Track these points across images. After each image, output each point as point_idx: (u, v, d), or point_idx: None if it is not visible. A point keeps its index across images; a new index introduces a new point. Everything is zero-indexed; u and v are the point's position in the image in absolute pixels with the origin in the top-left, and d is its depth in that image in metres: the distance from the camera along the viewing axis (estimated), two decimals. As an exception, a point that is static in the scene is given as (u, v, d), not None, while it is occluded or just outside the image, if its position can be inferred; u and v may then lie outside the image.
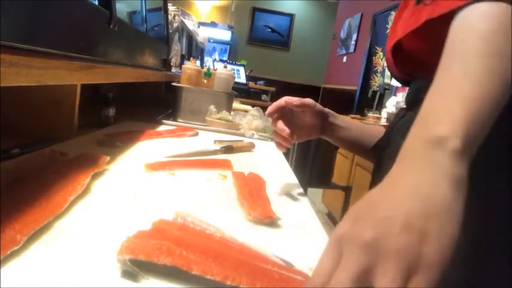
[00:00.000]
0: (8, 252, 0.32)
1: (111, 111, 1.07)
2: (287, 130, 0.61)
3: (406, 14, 0.47)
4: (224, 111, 1.29)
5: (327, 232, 0.51)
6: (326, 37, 5.87)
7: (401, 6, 0.63)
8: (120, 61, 0.87)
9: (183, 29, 2.22)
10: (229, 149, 0.93)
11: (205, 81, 1.37)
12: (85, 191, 0.50)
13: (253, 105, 1.89)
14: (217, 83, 1.35)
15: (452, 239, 0.27)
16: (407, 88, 0.64)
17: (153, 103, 1.64)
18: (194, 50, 3.05)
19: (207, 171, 0.72)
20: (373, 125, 0.74)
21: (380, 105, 3.49)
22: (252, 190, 0.60)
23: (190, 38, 2.72)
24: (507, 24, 0.34)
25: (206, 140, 1.05)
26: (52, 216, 0.40)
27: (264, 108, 1.63)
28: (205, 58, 3.71)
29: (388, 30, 3.54)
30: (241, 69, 4.07)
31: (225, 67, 1.40)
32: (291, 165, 0.96)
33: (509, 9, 0.34)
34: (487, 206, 0.47)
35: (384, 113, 2.96)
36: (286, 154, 1.24)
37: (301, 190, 0.70)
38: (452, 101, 0.33)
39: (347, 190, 2.36)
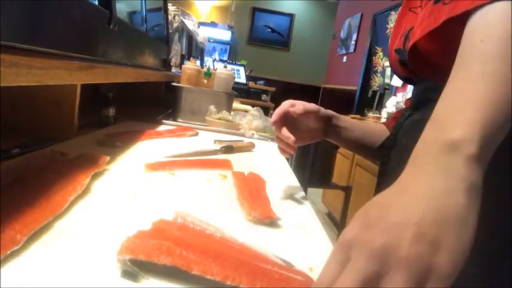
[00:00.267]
0: (8, 252, 0.32)
1: (111, 111, 1.07)
2: (292, 138, 0.60)
3: (424, 13, 0.45)
4: (224, 111, 1.29)
5: (327, 232, 0.51)
6: (326, 37, 5.87)
7: (404, 4, 0.63)
8: (120, 61, 0.87)
9: (183, 29, 2.22)
10: (229, 149, 0.93)
11: (205, 81, 1.37)
12: (85, 191, 0.50)
13: (253, 105, 1.89)
14: (217, 83, 1.35)
15: (465, 250, 0.27)
16: (412, 88, 0.64)
17: (153, 103, 1.64)
18: (194, 50, 3.05)
19: (207, 171, 0.72)
20: (375, 122, 0.74)
21: (380, 105, 3.49)
22: (252, 190, 0.60)
23: (190, 38, 2.72)
24: None
25: (206, 140, 1.05)
26: (52, 216, 0.40)
27: (264, 108, 1.63)
28: (205, 58, 3.71)
29: (389, 30, 3.55)
30: (241, 69, 4.07)
31: (225, 67, 1.40)
32: (291, 165, 0.96)
33: None
34: (501, 205, 0.46)
35: (384, 113, 2.96)
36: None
37: (302, 193, 0.70)
38: (468, 103, 0.31)
39: (347, 190, 2.36)
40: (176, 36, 1.87)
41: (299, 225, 0.52)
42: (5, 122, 0.76)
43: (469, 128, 0.30)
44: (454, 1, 0.38)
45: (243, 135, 1.22)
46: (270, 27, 6.11)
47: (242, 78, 3.98)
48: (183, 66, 1.39)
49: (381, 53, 3.74)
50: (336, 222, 2.70)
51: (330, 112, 0.71)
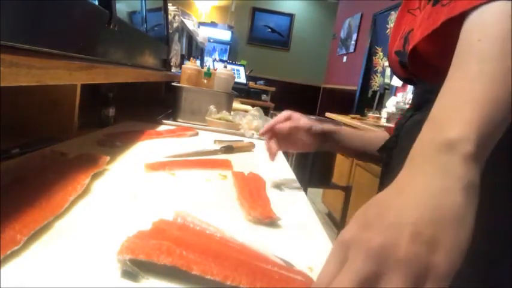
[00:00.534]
0: (8, 252, 0.32)
1: (111, 111, 1.07)
2: (273, 151, 0.70)
3: (423, 15, 0.46)
4: (224, 111, 1.29)
5: (327, 232, 0.51)
6: (326, 37, 5.87)
7: (402, 5, 0.63)
8: (120, 61, 0.87)
9: (183, 29, 2.22)
10: (229, 149, 0.93)
11: (205, 81, 1.37)
12: (85, 191, 0.50)
13: (253, 105, 1.89)
14: (217, 83, 1.35)
15: (462, 250, 0.27)
16: (413, 88, 0.64)
17: (153, 103, 1.64)
18: (194, 50, 3.05)
19: (207, 171, 0.72)
20: (376, 129, 0.75)
21: (380, 105, 3.49)
22: (252, 190, 0.60)
23: (190, 38, 2.72)
24: None
25: (206, 140, 1.05)
26: (52, 216, 0.40)
27: (264, 108, 1.63)
28: (205, 58, 3.71)
29: (388, 30, 3.55)
30: (241, 69, 4.07)
31: (225, 67, 1.40)
32: (291, 165, 0.96)
33: None
34: (500, 204, 0.46)
35: (384, 113, 2.95)
36: (287, 154, 1.24)
37: (302, 193, 0.70)
38: (464, 103, 0.31)
39: (347, 190, 2.36)
40: (176, 36, 1.87)
41: (299, 225, 0.52)
42: (5, 122, 0.76)
43: (466, 127, 0.30)
44: (452, 2, 0.39)
45: (243, 135, 1.22)
46: (270, 27, 6.11)
47: (242, 78, 3.98)
48: (183, 66, 1.39)
49: (381, 53, 3.74)
50: (336, 222, 2.70)
51: (327, 128, 0.73)
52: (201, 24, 4.20)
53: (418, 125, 0.34)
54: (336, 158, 2.36)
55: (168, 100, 1.54)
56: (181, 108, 1.31)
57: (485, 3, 0.34)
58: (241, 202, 0.56)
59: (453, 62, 0.35)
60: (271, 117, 1.76)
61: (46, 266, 0.32)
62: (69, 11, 0.58)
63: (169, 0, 1.68)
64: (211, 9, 5.91)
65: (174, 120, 1.30)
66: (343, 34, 4.99)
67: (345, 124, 2.65)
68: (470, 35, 0.34)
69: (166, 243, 0.34)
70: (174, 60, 1.82)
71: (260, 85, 4.76)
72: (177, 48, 1.90)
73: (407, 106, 2.49)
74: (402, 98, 2.81)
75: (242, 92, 3.62)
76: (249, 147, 0.99)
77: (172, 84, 1.33)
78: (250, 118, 1.28)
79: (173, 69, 1.72)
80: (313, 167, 1.97)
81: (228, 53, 5.70)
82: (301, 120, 0.71)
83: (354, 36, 4.51)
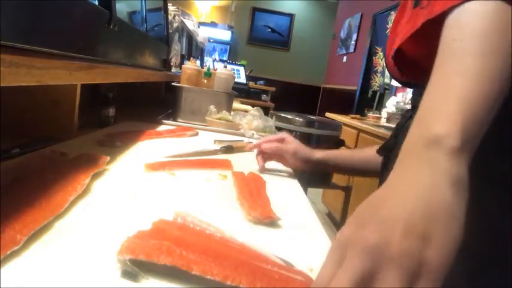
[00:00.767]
0: (8, 252, 0.32)
1: (111, 111, 1.07)
2: (260, 164, 0.77)
3: (405, 18, 0.47)
4: (224, 111, 1.29)
5: (327, 232, 0.51)
6: (326, 37, 5.87)
7: (400, 7, 0.63)
8: (120, 61, 0.87)
9: (183, 29, 2.22)
10: (229, 149, 0.93)
11: (205, 81, 1.37)
12: (85, 191, 0.50)
13: (253, 105, 1.89)
14: (217, 83, 1.35)
15: (455, 242, 0.27)
16: (410, 89, 0.65)
17: (153, 103, 1.64)
18: (194, 50, 3.05)
19: (207, 171, 0.72)
20: (370, 148, 0.79)
21: (380, 105, 3.49)
22: (252, 190, 0.60)
23: (190, 38, 2.72)
24: (500, 22, 0.33)
25: (206, 140, 1.05)
26: (52, 216, 0.40)
27: (264, 108, 1.63)
28: (205, 58, 3.71)
29: (388, 30, 3.55)
30: (241, 69, 4.07)
31: (225, 67, 1.40)
32: (291, 165, 0.96)
33: (503, 7, 0.34)
34: (492, 206, 0.47)
35: (384, 113, 2.96)
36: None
37: (302, 193, 0.70)
38: (447, 99, 0.32)
39: (347, 190, 2.36)
40: (176, 36, 1.87)
41: (299, 225, 0.52)
42: (5, 122, 0.76)
43: (449, 122, 0.31)
44: (430, 5, 0.40)
45: (243, 135, 1.22)
46: (270, 27, 6.11)
47: (242, 78, 3.98)
48: (183, 66, 1.39)
49: (381, 53, 3.74)
50: (336, 222, 2.70)
51: (311, 156, 0.76)
52: (201, 24, 4.20)
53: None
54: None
55: (168, 100, 1.54)
56: (181, 108, 1.31)
57: (459, 4, 0.36)
58: (241, 202, 0.56)
59: (435, 62, 0.36)
60: (271, 117, 1.76)
61: (46, 266, 0.32)
62: (69, 11, 0.58)
63: (169, 0, 1.68)
64: (211, 9, 5.91)
65: (174, 120, 1.30)
66: (343, 34, 4.99)
67: (345, 124, 2.66)
68: (448, 35, 0.36)
69: (166, 243, 0.34)
70: (174, 60, 1.82)
71: (260, 85, 4.76)
72: (177, 48, 1.90)
73: (407, 106, 2.50)
74: (402, 98, 2.81)
75: (242, 92, 3.62)
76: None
77: (172, 84, 1.33)
78: (250, 118, 1.28)
79: (173, 69, 1.72)
80: (313, 167, 1.97)
81: (228, 53, 5.70)
82: (291, 144, 0.75)
83: (354, 36, 4.51)
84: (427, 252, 0.26)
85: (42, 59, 0.46)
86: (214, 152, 0.89)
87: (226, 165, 0.78)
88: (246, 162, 0.81)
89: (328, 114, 3.19)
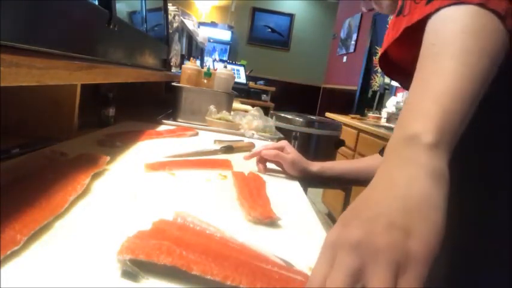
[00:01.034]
0: (8, 252, 0.32)
1: (111, 111, 1.07)
2: (261, 169, 0.78)
3: (390, 25, 0.49)
4: (224, 111, 1.29)
5: (327, 232, 0.51)
6: (326, 37, 5.87)
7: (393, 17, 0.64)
8: (120, 61, 0.87)
9: (183, 29, 2.22)
10: (229, 149, 0.93)
11: (205, 81, 1.37)
12: (85, 191, 0.50)
13: (253, 105, 1.89)
14: (217, 83, 1.35)
15: (437, 231, 0.28)
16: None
17: (153, 103, 1.64)
18: (194, 50, 3.05)
19: (207, 171, 0.72)
20: (365, 157, 0.80)
21: (380, 105, 3.49)
22: (252, 190, 0.60)
23: (190, 38, 2.72)
24: (472, 24, 0.35)
25: (206, 140, 1.05)
26: (52, 216, 0.40)
27: (264, 108, 1.63)
28: (205, 58, 3.71)
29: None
30: (241, 69, 4.07)
31: (225, 67, 1.40)
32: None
33: (473, 10, 0.35)
34: (472, 201, 0.48)
35: (384, 113, 2.96)
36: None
37: (302, 193, 0.70)
38: (424, 99, 0.34)
39: (347, 190, 2.36)
40: (176, 36, 1.87)
41: (299, 225, 0.52)
42: (5, 122, 0.76)
43: (425, 119, 0.33)
44: (411, 13, 0.42)
45: (243, 135, 1.22)
46: (270, 27, 6.11)
47: (242, 78, 3.98)
48: (183, 66, 1.39)
49: (381, 53, 3.73)
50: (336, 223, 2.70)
51: (312, 169, 0.78)
52: (201, 24, 4.20)
53: None
54: (336, 158, 2.36)
55: (168, 100, 1.54)
56: (181, 108, 1.31)
57: (434, 11, 0.38)
58: (241, 202, 0.56)
59: (417, 66, 0.38)
60: (271, 117, 1.76)
61: (46, 266, 0.32)
62: (69, 11, 0.58)
63: (169, 0, 1.68)
64: (211, 9, 5.91)
65: (174, 120, 1.30)
66: (343, 34, 4.99)
67: (345, 125, 2.66)
68: (426, 39, 0.38)
69: (166, 243, 0.34)
70: (174, 60, 1.82)
71: (260, 85, 4.76)
72: (177, 48, 1.90)
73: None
74: (402, 98, 2.81)
75: (242, 92, 3.62)
76: (249, 147, 0.99)
77: (172, 84, 1.33)
78: (250, 118, 1.28)
79: (173, 69, 1.72)
80: (313, 167, 1.97)
81: (228, 53, 5.70)
82: (290, 154, 0.77)
83: (354, 36, 4.51)
84: (410, 243, 0.27)
85: (42, 59, 0.46)
86: (214, 152, 0.89)
87: (226, 165, 0.78)
88: (246, 162, 0.81)
89: (328, 114, 3.19)
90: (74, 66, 0.57)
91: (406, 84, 0.59)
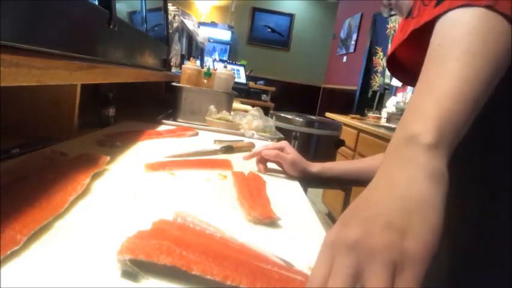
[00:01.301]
0: (8, 252, 0.32)
1: (111, 111, 1.07)
2: (261, 169, 0.78)
3: (398, 28, 0.49)
4: (224, 111, 1.29)
5: (327, 232, 0.51)
6: (326, 37, 5.87)
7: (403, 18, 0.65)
8: (120, 61, 0.87)
9: (183, 29, 2.22)
10: (229, 149, 0.93)
11: (205, 81, 1.37)
12: (85, 191, 0.50)
13: (253, 105, 1.89)
14: (217, 83, 1.35)
15: (435, 231, 0.28)
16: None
17: (153, 103, 1.64)
18: (194, 50, 3.05)
19: (207, 171, 0.72)
20: (366, 158, 0.80)
21: (380, 105, 3.49)
22: (252, 190, 0.60)
23: (190, 38, 2.72)
24: (478, 26, 0.35)
25: (206, 140, 1.05)
26: (52, 216, 0.40)
27: (264, 108, 1.63)
28: (205, 58, 3.71)
29: (388, 30, 3.55)
30: (241, 69, 4.07)
31: (225, 67, 1.40)
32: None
33: (481, 12, 0.35)
34: (473, 202, 0.48)
35: (384, 113, 2.96)
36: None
37: (302, 193, 0.70)
38: (426, 100, 0.34)
39: (347, 190, 2.36)
40: (176, 36, 1.87)
41: (299, 225, 0.52)
42: (5, 122, 0.76)
43: (426, 121, 0.33)
44: (419, 15, 0.42)
45: (243, 135, 1.22)
46: (270, 27, 6.11)
47: (242, 78, 3.98)
48: (183, 66, 1.39)
49: (381, 53, 3.74)
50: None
51: (311, 169, 0.77)
52: (201, 24, 4.20)
53: None
54: (336, 157, 2.36)
55: (168, 100, 1.54)
56: (181, 108, 1.31)
57: (441, 14, 0.38)
58: (241, 202, 0.56)
59: (422, 67, 0.38)
60: (271, 117, 1.76)
61: (46, 266, 0.32)
62: (69, 11, 0.58)
63: (169, 0, 1.68)
64: (211, 9, 5.91)
65: (174, 120, 1.30)
66: (343, 34, 4.99)
67: (345, 125, 2.66)
68: (433, 41, 0.38)
69: (166, 243, 0.34)
70: (174, 60, 1.82)
71: (260, 85, 4.76)
72: (177, 48, 1.90)
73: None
74: (402, 98, 2.81)
75: (242, 92, 3.62)
76: (249, 147, 0.99)
77: (172, 84, 1.33)
78: (250, 118, 1.28)
79: (173, 69, 1.72)
80: (313, 167, 1.97)
81: (228, 53, 5.70)
82: (290, 154, 0.77)
83: (354, 36, 4.51)
84: (407, 243, 0.27)
85: (42, 59, 0.46)
86: (214, 152, 0.89)
87: (226, 165, 0.78)
88: (246, 162, 0.81)
89: (328, 114, 3.19)
90: (74, 66, 0.57)
91: (413, 85, 0.59)
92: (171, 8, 1.78)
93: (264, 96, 4.52)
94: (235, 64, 4.13)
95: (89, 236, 0.39)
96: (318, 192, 3.16)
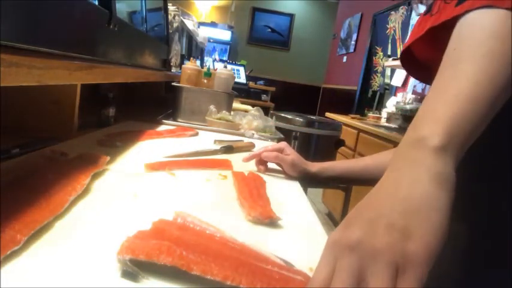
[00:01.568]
0: (8, 252, 0.32)
1: (111, 111, 1.07)
2: (261, 170, 0.78)
3: (417, 23, 0.48)
4: (224, 111, 1.29)
5: (327, 232, 0.51)
6: (326, 37, 5.87)
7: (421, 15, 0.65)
8: (120, 61, 0.87)
9: (183, 29, 2.22)
10: (229, 149, 0.93)
11: (205, 81, 1.37)
12: (85, 191, 0.50)
13: (253, 105, 1.89)
14: (217, 83, 1.35)
15: (437, 233, 0.28)
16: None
17: (153, 103, 1.64)
18: (194, 50, 3.05)
19: (207, 171, 0.72)
20: (366, 157, 0.79)
21: (380, 105, 3.49)
22: (252, 190, 0.60)
23: (190, 38, 2.72)
24: (499, 29, 0.34)
25: (206, 140, 1.05)
26: (52, 216, 0.40)
27: (264, 108, 1.63)
28: (205, 58, 3.71)
29: (388, 30, 3.55)
30: (241, 69, 4.08)
31: (225, 67, 1.40)
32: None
33: (502, 14, 0.35)
34: (483, 200, 0.47)
35: (384, 113, 2.96)
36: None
37: (302, 193, 0.70)
38: (438, 103, 0.34)
39: (347, 190, 2.36)
40: (176, 36, 1.87)
41: (299, 225, 0.52)
42: (5, 122, 0.76)
43: (435, 123, 0.32)
44: (439, 12, 0.41)
45: (243, 135, 1.22)
46: (270, 27, 6.11)
47: (242, 78, 3.98)
48: (183, 66, 1.39)
49: (381, 53, 3.74)
50: (336, 222, 2.70)
51: (311, 169, 0.77)
52: (201, 24, 4.20)
53: None
54: (336, 157, 2.36)
55: (168, 100, 1.54)
56: (181, 108, 1.31)
57: (461, 14, 0.37)
58: (241, 202, 0.56)
59: (438, 71, 0.37)
60: (271, 117, 1.76)
61: (46, 266, 0.32)
62: (69, 11, 0.58)
63: (169, 0, 1.68)
64: (211, 9, 5.91)
65: (174, 120, 1.30)
66: (343, 34, 4.99)
67: (345, 124, 2.66)
68: (450, 44, 0.37)
69: (166, 243, 0.34)
70: (174, 60, 1.82)
71: (260, 85, 4.76)
72: (177, 48, 1.90)
73: (407, 106, 2.49)
74: (402, 98, 2.81)
75: (242, 92, 3.62)
76: (249, 147, 0.99)
77: (172, 84, 1.33)
78: (250, 118, 1.28)
79: (173, 69, 1.72)
80: (313, 167, 1.97)
81: (228, 53, 5.70)
82: (289, 155, 0.77)
83: (354, 36, 4.51)
84: (409, 245, 0.27)
85: (42, 59, 0.46)
86: (214, 152, 0.89)
87: (226, 165, 0.78)
88: (246, 163, 0.81)
89: (328, 114, 3.19)
90: (74, 66, 0.57)
91: (428, 82, 0.59)
92: (171, 8, 1.78)
93: (264, 96, 4.52)
94: (235, 64, 4.13)
95: (89, 236, 0.39)
96: (318, 192, 3.16)
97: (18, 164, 0.57)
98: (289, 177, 0.78)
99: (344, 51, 4.85)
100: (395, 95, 3.14)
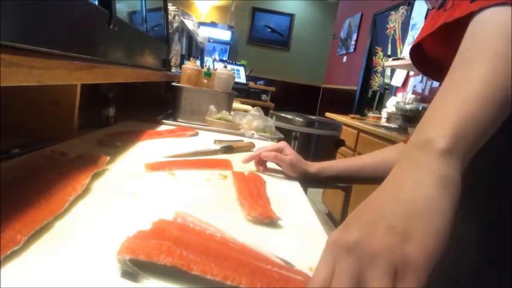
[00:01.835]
0: (8, 252, 0.32)
1: (111, 111, 1.07)
2: (261, 170, 0.78)
3: (429, 17, 0.48)
4: (224, 111, 1.29)
5: (327, 232, 0.51)
6: (326, 37, 5.87)
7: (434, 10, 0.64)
8: (120, 61, 0.87)
9: (183, 29, 2.22)
10: (229, 149, 0.93)
11: (205, 81, 1.37)
12: (85, 191, 0.50)
13: (253, 105, 1.89)
14: (217, 83, 1.35)
15: (437, 236, 0.27)
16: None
17: (153, 103, 1.64)
18: (194, 50, 3.05)
19: (207, 171, 0.72)
20: (364, 155, 0.79)
21: (380, 105, 3.49)
22: (252, 190, 0.60)
23: (190, 38, 2.72)
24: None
25: (206, 140, 1.05)
26: (52, 216, 0.40)
27: (264, 108, 1.63)
28: (205, 58, 3.71)
29: (388, 30, 3.55)
30: (241, 69, 4.08)
31: (225, 67, 1.40)
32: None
33: None
34: (484, 196, 0.47)
35: (384, 113, 2.96)
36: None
37: (302, 193, 0.70)
38: (445, 105, 0.33)
39: (347, 190, 2.36)
40: (176, 36, 1.87)
41: (299, 225, 0.52)
42: (5, 122, 0.76)
43: (442, 125, 0.32)
44: (453, 8, 0.40)
45: (243, 135, 1.22)
46: (270, 27, 6.11)
47: (242, 78, 3.98)
48: (183, 66, 1.39)
49: (381, 53, 3.74)
50: (336, 222, 2.70)
51: (310, 170, 0.77)
52: (201, 24, 4.20)
53: None
54: (336, 157, 2.36)
55: (168, 100, 1.54)
56: (181, 108, 1.31)
57: (475, 11, 0.36)
58: (241, 202, 0.56)
59: (449, 71, 0.36)
60: (271, 117, 1.76)
61: (46, 266, 0.32)
62: (69, 11, 0.58)
63: (169, 0, 1.68)
64: (211, 9, 5.91)
65: (174, 120, 1.30)
66: (343, 34, 4.99)
67: (345, 124, 2.66)
68: (463, 43, 0.36)
69: (166, 243, 0.34)
70: (174, 60, 1.82)
71: (260, 85, 4.76)
72: (177, 48, 1.90)
73: (407, 106, 2.49)
74: (402, 98, 2.81)
75: (242, 92, 3.62)
76: (249, 147, 0.99)
77: (172, 84, 1.33)
78: (250, 118, 1.28)
79: (173, 69, 1.72)
80: (313, 167, 1.97)
81: (228, 53, 5.70)
82: (289, 156, 0.77)
83: (354, 36, 4.51)
84: (408, 247, 0.26)
85: (42, 59, 0.46)
86: (214, 152, 0.89)
87: (226, 165, 0.78)
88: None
89: (328, 114, 3.19)
90: (74, 66, 0.57)
91: (437, 78, 0.58)
92: (171, 8, 1.78)
93: (264, 96, 4.52)
94: (235, 64, 4.13)
95: (89, 236, 0.39)
96: (318, 192, 3.16)
97: (18, 164, 0.57)
98: (289, 177, 0.78)
99: (344, 51, 4.85)
100: (395, 95, 3.14)
